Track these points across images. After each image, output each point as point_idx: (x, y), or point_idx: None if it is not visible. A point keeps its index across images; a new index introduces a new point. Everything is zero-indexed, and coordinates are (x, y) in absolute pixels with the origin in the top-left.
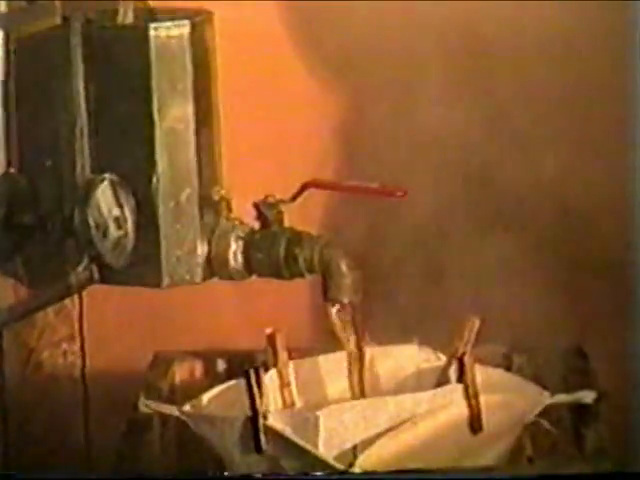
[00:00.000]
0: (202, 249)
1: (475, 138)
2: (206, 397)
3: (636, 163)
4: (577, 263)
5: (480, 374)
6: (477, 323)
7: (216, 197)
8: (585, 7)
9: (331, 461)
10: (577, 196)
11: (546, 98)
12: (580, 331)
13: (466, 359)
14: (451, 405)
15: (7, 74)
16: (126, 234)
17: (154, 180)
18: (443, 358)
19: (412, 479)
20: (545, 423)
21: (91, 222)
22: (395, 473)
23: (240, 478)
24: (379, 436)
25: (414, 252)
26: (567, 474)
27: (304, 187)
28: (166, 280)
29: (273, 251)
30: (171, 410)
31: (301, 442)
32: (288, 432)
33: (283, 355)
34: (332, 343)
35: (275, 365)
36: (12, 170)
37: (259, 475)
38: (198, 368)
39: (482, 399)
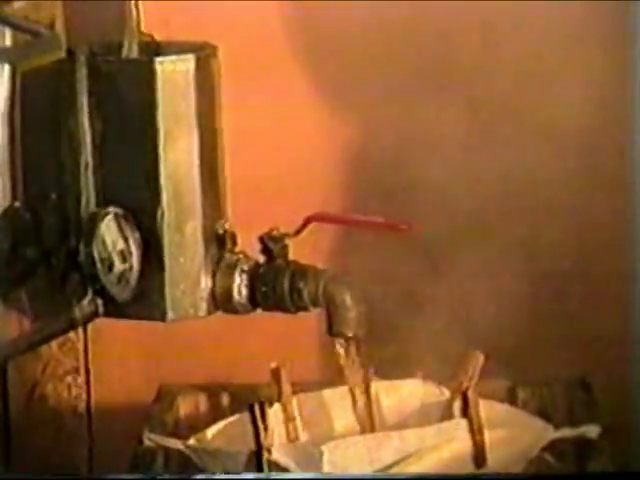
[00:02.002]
0: (206, 283)
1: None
2: (210, 431)
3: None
4: (580, 294)
5: (484, 409)
6: (481, 358)
7: (221, 230)
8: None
9: None
10: (581, 220)
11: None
12: (584, 364)
13: (470, 394)
14: (455, 440)
15: (13, 107)
16: (131, 268)
17: (159, 213)
18: (447, 393)
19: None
20: (549, 458)
21: (96, 256)
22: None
23: (238, 479)
24: (384, 471)
25: (418, 286)
26: (567, 474)
27: (308, 221)
28: (170, 314)
29: (277, 285)
30: (175, 444)
31: (305, 476)
32: (292, 466)
33: (287, 389)
34: (337, 377)
35: (279, 399)
36: (17, 204)
37: (257, 475)
38: (202, 402)
39: (486, 434)
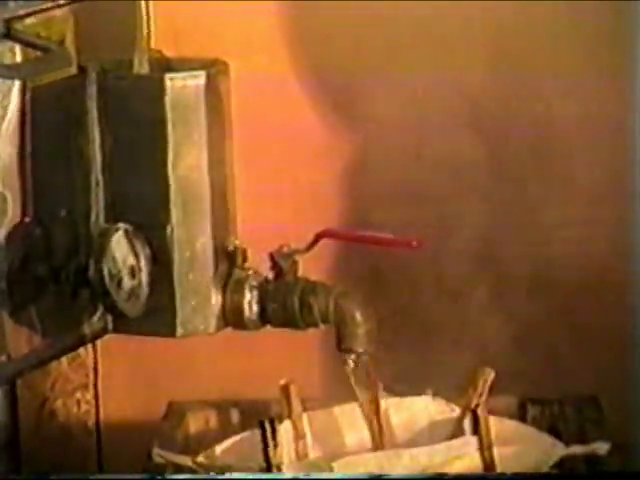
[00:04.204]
0: (216, 299)
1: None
2: (220, 448)
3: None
4: (591, 312)
5: (494, 425)
6: (491, 374)
7: (231, 247)
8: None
9: None
10: (591, 240)
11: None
12: (594, 380)
13: (480, 411)
14: (465, 457)
15: (23, 123)
16: (140, 284)
17: (169, 230)
18: (457, 409)
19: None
20: None
21: (105, 272)
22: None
23: (241, 479)
24: None
25: (425, 302)
26: (568, 474)
27: (318, 237)
28: (180, 330)
29: (287, 301)
30: (185, 460)
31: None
32: None
33: (297, 406)
34: (346, 394)
35: (289, 416)
36: (27, 219)
37: (260, 475)
38: (212, 418)
39: (496, 451)
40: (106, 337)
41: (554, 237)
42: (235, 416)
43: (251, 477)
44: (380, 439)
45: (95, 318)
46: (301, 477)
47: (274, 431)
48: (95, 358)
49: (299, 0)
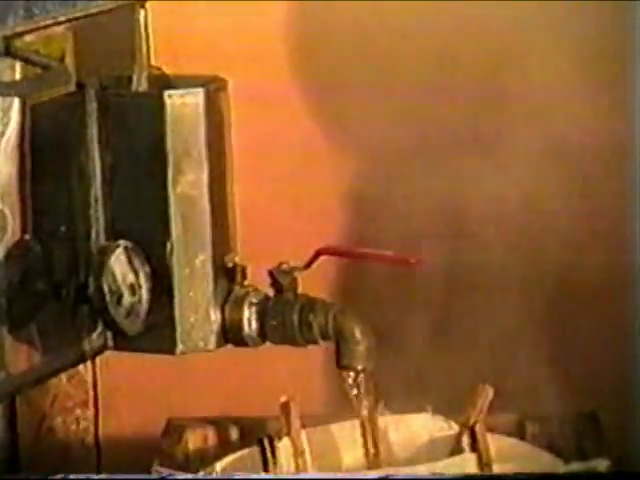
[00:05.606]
0: (216, 316)
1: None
2: (220, 465)
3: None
4: (588, 328)
5: (493, 443)
6: (490, 392)
7: (230, 264)
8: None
9: None
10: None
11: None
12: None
13: (478, 428)
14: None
15: (22, 141)
16: (140, 301)
17: (168, 246)
18: (456, 427)
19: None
20: None
21: (105, 289)
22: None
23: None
24: None
25: (426, 319)
26: (567, 474)
27: (318, 254)
28: (180, 347)
29: (287, 318)
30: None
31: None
32: None
33: (296, 423)
34: (346, 411)
35: (288, 433)
36: (27, 236)
37: (263, 476)
38: (211, 435)
39: (495, 468)
40: (106, 354)
41: (553, 254)
42: (234, 433)
43: (252, 477)
44: (379, 457)
45: (95, 335)
46: (303, 477)
47: (273, 448)
48: (94, 375)
49: (298, 13)
